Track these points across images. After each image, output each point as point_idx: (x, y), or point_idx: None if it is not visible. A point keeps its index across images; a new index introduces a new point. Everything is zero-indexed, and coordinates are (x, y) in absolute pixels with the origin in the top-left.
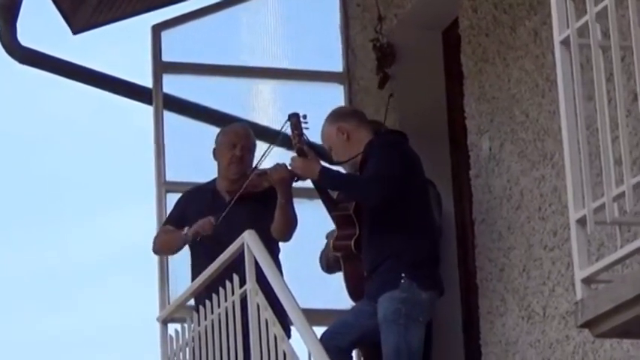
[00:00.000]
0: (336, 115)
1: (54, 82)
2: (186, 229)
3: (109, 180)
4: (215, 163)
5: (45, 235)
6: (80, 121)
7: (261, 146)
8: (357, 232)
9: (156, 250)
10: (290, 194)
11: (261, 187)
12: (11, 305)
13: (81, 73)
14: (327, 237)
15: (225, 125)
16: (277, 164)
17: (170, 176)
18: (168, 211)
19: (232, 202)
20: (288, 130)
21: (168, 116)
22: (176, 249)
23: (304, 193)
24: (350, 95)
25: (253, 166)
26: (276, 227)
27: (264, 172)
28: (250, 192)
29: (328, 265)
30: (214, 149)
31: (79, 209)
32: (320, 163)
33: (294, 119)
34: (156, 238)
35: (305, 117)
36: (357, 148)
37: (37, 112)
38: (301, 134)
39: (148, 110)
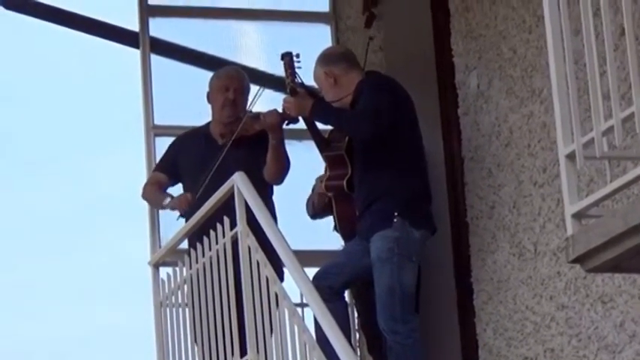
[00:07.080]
0: (324, 58)
1: (40, 27)
2: (168, 199)
3: (97, 125)
4: (206, 106)
5: (34, 182)
6: (66, 66)
7: (251, 88)
8: (349, 171)
9: (143, 198)
10: (281, 137)
11: (252, 131)
12: None
13: (67, 18)
14: (316, 181)
15: (212, 67)
16: (272, 110)
17: (158, 120)
18: (158, 155)
19: (226, 148)
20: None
21: (155, 60)
22: (158, 208)
23: (295, 135)
24: (337, 35)
25: (246, 109)
26: (268, 170)
27: (258, 115)
28: (243, 135)
29: (314, 210)
30: (208, 93)
31: (68, 155)
32: (311, 99)
33: (287, 58)
34: (145, 186)
35: (298, 56)
36: (345, 90)
37: (23, 58)
38: (294, 73)
39: (135, 54)
